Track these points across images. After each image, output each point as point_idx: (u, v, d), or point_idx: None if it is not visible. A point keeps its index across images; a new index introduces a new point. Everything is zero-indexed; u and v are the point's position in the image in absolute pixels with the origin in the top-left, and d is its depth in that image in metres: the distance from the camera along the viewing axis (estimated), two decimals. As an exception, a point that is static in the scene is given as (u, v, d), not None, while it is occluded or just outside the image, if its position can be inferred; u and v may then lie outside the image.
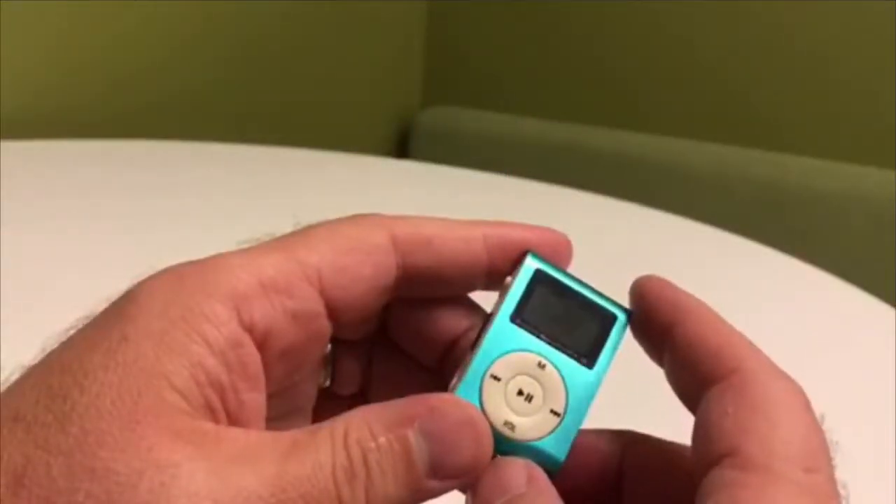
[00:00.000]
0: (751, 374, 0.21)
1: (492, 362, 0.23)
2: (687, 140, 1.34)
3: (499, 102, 1.56)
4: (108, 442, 0.18)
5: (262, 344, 0.22)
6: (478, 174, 0.99)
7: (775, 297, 0.67)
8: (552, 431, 0.23)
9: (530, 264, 0.24)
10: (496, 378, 0.23)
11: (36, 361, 0.20)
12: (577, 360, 0.23)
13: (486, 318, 0.24)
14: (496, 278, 0.25)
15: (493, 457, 0.23)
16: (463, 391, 0.23)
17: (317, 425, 0.21)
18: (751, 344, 0.22)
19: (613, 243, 0.78)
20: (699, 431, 0.21)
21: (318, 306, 0.23)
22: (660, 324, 0.23)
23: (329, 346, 0.26)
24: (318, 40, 1.42)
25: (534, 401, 0.23)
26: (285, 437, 0.20)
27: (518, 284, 0.24)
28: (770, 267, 0.75)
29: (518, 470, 0.22)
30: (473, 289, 0.26)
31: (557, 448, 0.23)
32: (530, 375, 0.23)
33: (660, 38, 1.42)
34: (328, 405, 0.26)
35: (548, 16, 1.52)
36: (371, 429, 0.21)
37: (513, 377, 0.23)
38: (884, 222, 1.16)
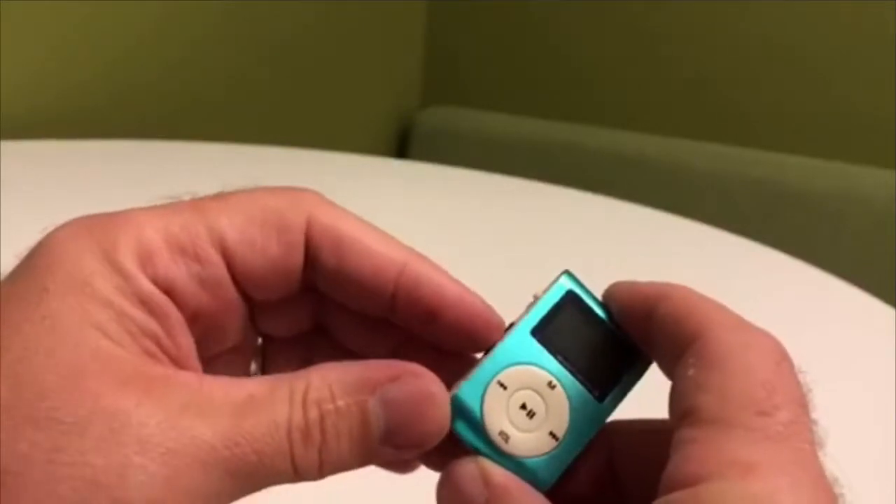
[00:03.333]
0: (712, 335, 0.21)
1: (502, 369, 0.22)
2: (687, 140, 1.34)
3: (499, 102, 1.56)
4: (49, 393, 0.18)
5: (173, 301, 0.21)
6: (478, 174, 0.99)
7: (775, 297, 0.67)
8: (546, 453, 0.22)
9: (563, 283, 0.24)
10: (503, 386, 0.22)
11: None
12: (589, 389, 0.23)
13: (507, 328, 0.23)
14: (401, 316, 0.23)
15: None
16: (466, 391, 0.22)
17: (274, 378, 0.21)
18: (718, 307, 0.22)
19: (613, 243, 0.78)
20: (669, 402, 0.21)
21: (224, 273, 0.22)
22: (639, 317, 0.23)
23: (259, 340, 0.25)
24: (318, 40, 1.42)
25: (535, 418, 0.22)
26: (241, 388, 0.20)
27: (546, 300, 0.23)
28: (770, 267, 0.75)
29: (469, 475, 0.22)
30: (381, 313, 0.24)
31: (548, 472, 0.22)
32: (537, 392, 0.23)
33: (660, 38, 1.42)
34: None
35: (548, 16, 1.51)
36: (332, 390, 0.20)
37: (519, 389, 0.22)
38: (884, 222, 1.16)
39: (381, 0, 1.52)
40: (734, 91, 1.37)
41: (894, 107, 1.22)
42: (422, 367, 0.22)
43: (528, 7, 1.53)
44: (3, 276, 0.20)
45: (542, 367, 0.23)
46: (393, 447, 0.21)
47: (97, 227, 0.21)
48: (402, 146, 1.63)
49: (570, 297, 0.23)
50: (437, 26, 1.65)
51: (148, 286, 0.20)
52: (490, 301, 0.25)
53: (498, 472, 0.22)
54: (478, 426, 0.22)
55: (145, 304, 0.20)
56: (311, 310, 0.25)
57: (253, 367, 0.26)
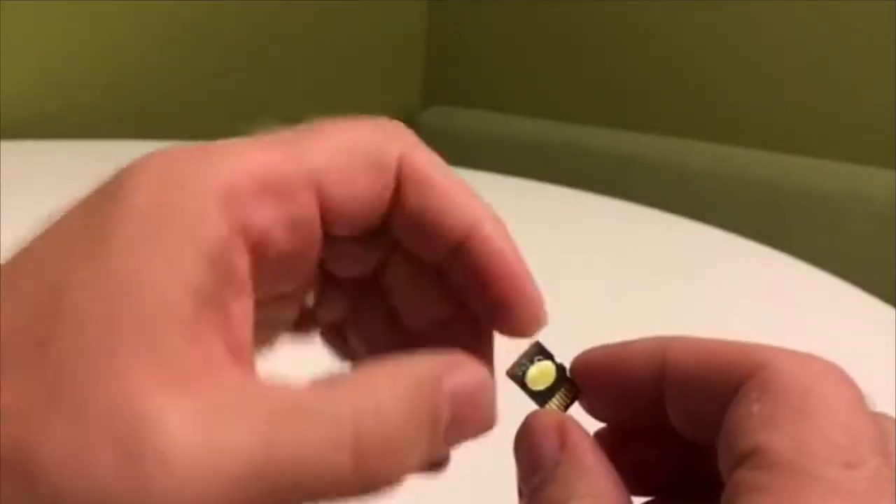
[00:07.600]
0: (778, 366, 0.18)
1: None
2: (687, 140, 1.34)
3: (499, 102, 1.56)
4: (82, 372, 0.16)
5: (253, 248, 0.19)
6: (478, 174, 0.99)
7: (775, 296, 0.67)
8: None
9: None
10: None
11: (20, 256, 0.18)
12: None
13: None
14: (456, 274, 0.23)
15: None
16: None
17: (329, 386, 0.18)
18: (771, 347, 0.20)
19: (613, 243, 0.78)
20: (723, 438, 0.19)
21: (315, 213, 0.20)
22: (646, 371, 0.21)
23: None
24: (318, 40, 1.42)
25: None
26: (288, 395, 0.18)
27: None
28: (770, 267, 0.75)
29: (548, 434, 0.20)
30: (439, 259, 0.23)
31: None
32: None
33: (660, 38, 1.42)
34: (307, 324, 0.25)
35: (548, 16, 1.51)
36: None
37: None
38: (884, 222, 1.16)
39: (382, 0, 1.52)
40: (734, 91, 1.37)
41: (894, 107, 1.22)
42: (465, 355, 0.20)
43: (529, 7, 1.53)
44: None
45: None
46: (455, 439, 0.19)
47: (182, 163, 0.19)
48: (402, 146, 1.63)
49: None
50: (438, 26, 1.65)
51: (227, 236, 0.18)
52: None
53: (577, 432, 0.21)
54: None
55: (217, 259, 0.18)
56: (375, 255, 0.24)
57: (310, 300, 0.24)
